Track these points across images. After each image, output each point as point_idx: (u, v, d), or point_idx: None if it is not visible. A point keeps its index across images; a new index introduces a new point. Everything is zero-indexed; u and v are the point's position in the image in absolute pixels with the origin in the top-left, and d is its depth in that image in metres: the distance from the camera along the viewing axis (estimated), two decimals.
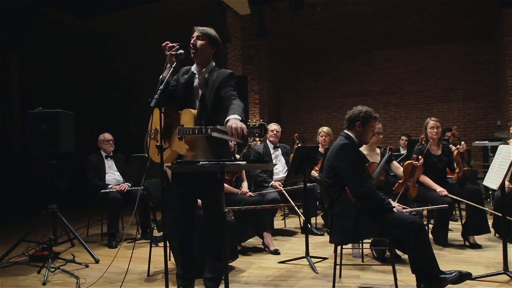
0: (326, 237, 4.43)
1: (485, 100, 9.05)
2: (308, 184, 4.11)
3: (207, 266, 2.79)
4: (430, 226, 4.23)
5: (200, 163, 2.08)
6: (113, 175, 5.09)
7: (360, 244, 3.69)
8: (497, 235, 4.40)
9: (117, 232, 4.80)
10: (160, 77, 2.63)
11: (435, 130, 4.24)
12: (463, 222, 4.22)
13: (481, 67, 9.06)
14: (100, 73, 10.06)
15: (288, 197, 4.44)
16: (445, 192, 4.01)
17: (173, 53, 2.54)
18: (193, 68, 2.79)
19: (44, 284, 3.32)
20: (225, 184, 3.28)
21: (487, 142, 7.38)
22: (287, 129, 9.51)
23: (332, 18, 9.97)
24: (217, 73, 2.73)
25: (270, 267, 3.64)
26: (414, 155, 4.17)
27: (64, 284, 3.36)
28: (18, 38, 7.71)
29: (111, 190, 4.80)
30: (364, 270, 3.48)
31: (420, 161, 4.10)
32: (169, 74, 2.55)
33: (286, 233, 5.12)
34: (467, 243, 4.12)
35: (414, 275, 2.78)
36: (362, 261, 3.70)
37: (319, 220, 5.37)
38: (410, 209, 3.16)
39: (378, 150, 4.01)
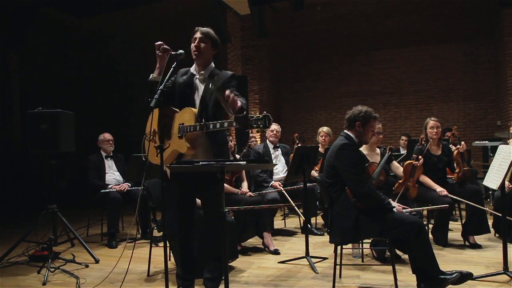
0: (326, 237, 4.42)
1: (485, 100, 9.05)
2: (308, 184, 4.11)
3: (207, 266, 2.79)
4: (430, 226, 4.23)
5: (200, 163, 2.08)
6: (113, 175, 5.09)
7: (360, 244, 3.69)
8: (497, 235, 4.40)
9: (117, 232, 4.80)
10: (150, 77, 2.63)
11: (435, 130, 4.24)
12: (463, 222, 4.22)
13: (481, 67, 9.06)
14: (100, 73, 10.06)
15: (288, 197, 4.44)
16: (445, 192, 4.01)
17: (173, 53, 2.54)
18: (192, 69, 2.80)
19: (44, 284, 3.32)
20: (225, 184, 3.28)
21: (487, 142, 7.38)
22: (287, 129, 9.52)
23: (332, 18, 9.97)
24: (218, 75, 2.73)
25: (270, 267, 3.64)
26: (414, 155, 4.17)
27: (64, 284, 3.36)
28: (18, 38, 7.71)
29: (111, 190, 4.80)
30: (364, 270, 3.48)
31: (420, 161, 4.10)
32: (169, 74, 2.55)
33: (286, 233, 5.12)
34: (467, 243, 4.12)
35: (414, 275, 2.78)
36: (362, 261, 3.70)
37: (319, 220, 5.37)
38: (410, 209, 3.16)
39: (378, 150, 4.01)
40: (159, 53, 2.62)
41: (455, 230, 4.63)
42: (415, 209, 3.45)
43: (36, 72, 8.69)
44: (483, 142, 7.46)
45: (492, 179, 3.11)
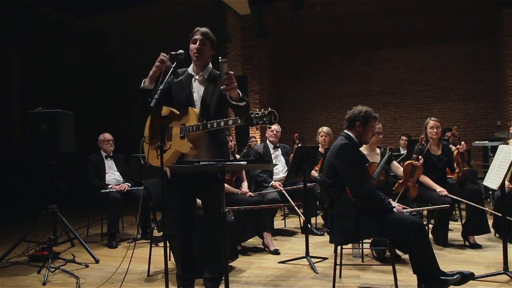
0: (326, 237, 4.43)
1: (485, 100, 9.06)
2: (308, 184, 4.11)
3: (207, 266, 2.79)
4: (430, 226, 4.24)
5: (200, 163, 2.08)
6: (113, 175, 5.09)
7: (360, 244, 3.69)
8: (497, 235, 4.40)
9: (117, 232, 4.80)
10: (142, 85, 2.60)
11: (435, 130, 4.24)
12: (463, 222, 4.22)
13: (481, 67, 9.06)
14: (100, 73, 10.06)
15: (288, 197, 4.44)
16: (445, 192, 4.01)
17: (173, 53, 2.53)
18: (190, 70, 2.78)
19: (44, 284, 3.32)
20: (225, 184, 3.28)
21: (487, 142, 7.38)
22: (287, 129, 9.52)
23: (332, 18, 9.97)
24: (218, 75, 2.72)
25: (270, 267, 3.64)
26: (414, 155, 4.17)
27: (64, 284, 3.36)
28: (18, 38, 7.71)
29: (111, 190, 4.80)
30: (364, 270, 3.48)
31: (420, 161, 4.10)
32: (169, 74, 2.55)
33: (286, 233, 5.12)
34: (467, 243, 4.12)
35: (414, 275, 2.78)
36: (362, 261, 3.70)
37: (319, 220, 5.37)
38: (410, 209, 3.16)
39: (378, 150, 4.01)
40: (158, 64, 2.55)
41: (455, 230, 4.63)
42: (415, 209, 3.45)
43: (36, 72, 8.69)
44: (483, 142, 7.47)
45: (492, 179, 3.11)
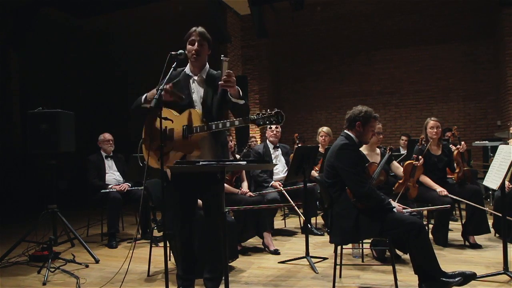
0: (326, 237, 4.43)
1: (485, 100, 9.05)
2: (308, 184, 4.11)
3: (207, 266, 2.79)
4: (430, 226, 4.24)
5: (200, 163, 2.08)
6: (113, 175, 5.09)
7: (360, 244, 3.69)
8: (497, 235, 4.39)
9: (117, 232, 4.81)
10: (142, 103, 2.64)
11: (435, 130, 4.24)
12: (463, 222, 4.22)
13: (481, 67, 9.06)
14: (100, 73, 10.06)
15: (288, 197, 4.44)
16: (445, 192, 4.01)
17: (173, 53, 2.53)
18: (187, 70, 2.77)
19: (44, 284, 3.32)
20: (225, 184, 3.28)
21: (487, 142, 7.38)
22: (287, 129, 9.50)
23: (332, 18, 9.97)
24: (217, 75, 2.72)
25: (270, 267, 3.64)
26: (414, 155, 4.17)
27: (64, 284, 3.36)
28: (18, 38, 7.72)
29: (111, 190, 4.80)
30: (364, 270, 3.48)
31: (420, 161, 4.10)
32: (168, 74, 2.55)
33: (286, 233, 5.12)
34: (467, 243, 4.12)
35: (414, 275, 2.78)
36: (362, 261, 3.70)
37: (319, 220, 5.37)
38: (411, 209, 3.16)
39: (378, 150, 4.01)
40: (164, 93, 2.50)
41: (455, 230, 4.63)
42: (415, 209, 3.45)
43: (36, 72, 8.70)
44: (483, 142, 7.46)
45: (492, 179, 3.11)
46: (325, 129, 5.54)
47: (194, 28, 2.71)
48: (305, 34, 10.17)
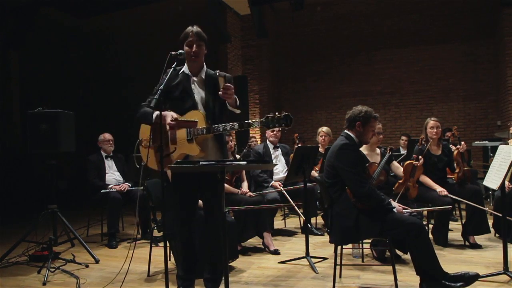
0: (326, 237, 4.43)
1: (485, 100, 9.06)
2: (308, 184, 4.11)
3: (207, 266, 2.79)
4: (430, 226, 4.24)
5: (200, 163, 2.08)
6: (113, 175, 5.09)
7: (360, 244, 3.69)
8: (497, 235, 4.39)
9: (117, 232, 4.81)
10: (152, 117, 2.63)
11: (435, 130, 4.24)
12: (463, 222, 4.22)
13: (481, 67, 9.06)
14: (100, 73, 10.06)
15: (288, 197, 4.44)
16: (445, 192, 4.01)
17: (173, 53, 2.53)
18: (186, 70, 2.76)
19: (44, 284, 3.32)
20: (225, 184, 3.28)
21: (487, 142, 7.38)
22: (287, 129, 9.50)
23: (332, 18, 9.97)
24: (214, 75, 2.73)
25: (270, 267, 3.64)
26: (414, 155, 4.17)
27: (64, 284, 3.36)
28: (18, 38, 7.71)
29: (111, 190, 4.80)
30: (364, 270, 3.48)
31: (420, 161, 4.10)
32: (168, 74, 2.55)
33: (286, 233, 5.12)
34: (467, 243, 4.12)
35: (414, 275, 2.78)
36: (362, 261, 3.70)
37: (319, 220, 5.37)
38: (411, 209, 3.16)
39: (378, 150, 4.01)
40: (168, 127, 2.56)
41: (455, 230, 4.63)
42: (415, 209, 3.45)
43: (36, 72, 8.69)
44: (483, 142, 7.46)
45: (492, 179, 3.11)
46: (325, 129, 5.54)
47: (190, 28, 2.69)
48: (305, 34, 10.17)
